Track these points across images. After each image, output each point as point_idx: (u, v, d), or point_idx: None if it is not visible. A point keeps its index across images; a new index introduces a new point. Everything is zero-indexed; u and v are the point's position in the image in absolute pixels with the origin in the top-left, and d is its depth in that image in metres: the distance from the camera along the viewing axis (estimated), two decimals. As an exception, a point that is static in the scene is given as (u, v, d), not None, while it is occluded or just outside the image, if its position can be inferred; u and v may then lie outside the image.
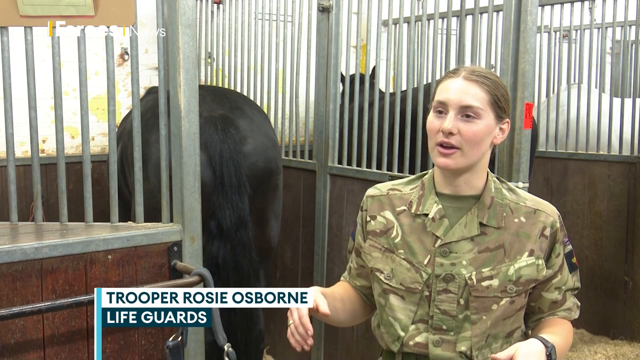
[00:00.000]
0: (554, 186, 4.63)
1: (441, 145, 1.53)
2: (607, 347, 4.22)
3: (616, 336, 4.37)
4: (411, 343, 1.60)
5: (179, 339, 1.85)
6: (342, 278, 1.86)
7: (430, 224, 1.60)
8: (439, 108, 1.55)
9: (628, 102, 4.68)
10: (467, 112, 1.52)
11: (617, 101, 4.68)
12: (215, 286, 1.85)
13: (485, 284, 1.55)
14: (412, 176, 1.75)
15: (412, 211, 1.64)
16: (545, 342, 1.46)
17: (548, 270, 1.60)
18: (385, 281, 1.64)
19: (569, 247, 1.66)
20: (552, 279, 1.61)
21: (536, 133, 4.26)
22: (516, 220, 1.59)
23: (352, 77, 3.52)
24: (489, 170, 1.65)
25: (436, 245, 1.59)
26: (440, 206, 1.61)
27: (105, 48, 2.05)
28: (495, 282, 1.55)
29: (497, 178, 1.66)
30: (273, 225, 3.09)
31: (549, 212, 1.61)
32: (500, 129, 1.59)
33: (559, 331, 1.59)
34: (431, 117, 1.57)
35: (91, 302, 1.82)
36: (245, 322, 2.81)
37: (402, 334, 1.61)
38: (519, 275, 1.56)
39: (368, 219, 1.71)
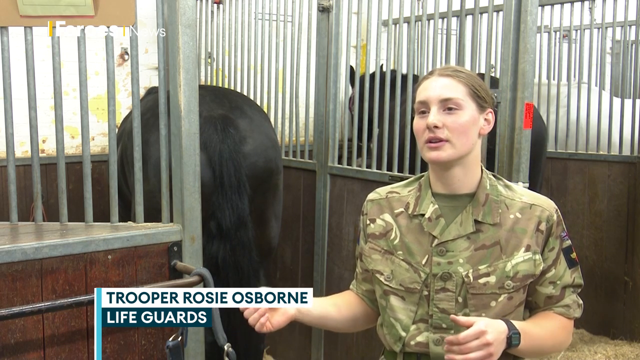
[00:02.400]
0: (554, 186, 4.63)
1: (429, 141, 1.56)
2: (607, 347, 4.21)
3: (616, 336, 4.37)
4: (412, 343, 1.61)
5: (179, 339, 1.85)
6: (350, 286, 1.87)
7: (427, 224, 1.62)
8: (421, 109, 1.59)
9: (628, 102, 4.68)
10: (448, 105, 1.55)
11: (617, 101, 4.68)
12: (215, 286, 1.85)
13: (482, 281, 1.56)
14: (411, 178, 1.77)
15: (410, 212, 1.66)
16: (509, 325, 1.47)
17: (542, 264, 1.61)
18: (386, 282, 1.66)
19: (568, 242, 1.65)
20: (546, 273, 1.61)
21: (543, 136, 4.13)
22: (512, 216, 1.60)
23: (370, 75, 3.48)
24: (484, 167, 1.66)
25: (433, 245, 1.60)
26: (436, 206, 1.62)
27: (105, 48, 2.05)
28: (492, 279, 1.56)
29: (494, 175, 1.68)
30: (273, 226, 3.08)
31: (545, 206, 1.62)
32: (485, 119, 1.62)
33: (542, 323, 1.60)
34: (416, 119, 1.61)
35: (91, 302, 1.82)
36: (245, 322, 2.80)
37: (403, 334, 1.62)
38: (516, 271, 1.57)
39: (368, 222, 1.74)
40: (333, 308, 1.73)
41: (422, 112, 1.59)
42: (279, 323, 1.57)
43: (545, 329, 1.58)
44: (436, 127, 1.54)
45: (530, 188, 1.73)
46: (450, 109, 1.55)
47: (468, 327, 1.43)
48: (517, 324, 1.51)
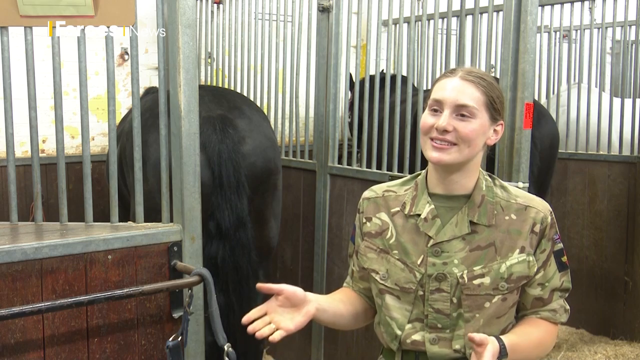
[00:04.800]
0: (554, 186, 4.63)
1: (434, 140, 1.54)
2: (607, 347, 4.22)
3: (616, 336, 4.37)
4: (408, 341, 1.62)
5: (179, 339, 1.85)
6: (344, 284, 1.87)
7: (423, 224, 1.62)
8: (434, 106, 1.57)
9: (628, 102, 4.68)
10: (462, 112, 1.54)
11: (617, 101, 4.68)
12: (215, 287, 1.85)
13: (476, 282, 1.56)
14: (407, 177, 1.76)
15: (406, 212, 1.66)
16: (500, 344, 1.47)
17: None
18: (381, 282, 1.66)
19: (560, 245, 1.65)
20: (535, 275, 1.61)
21: (558, 139, 4.03)
22: (507, 217, 1.60)
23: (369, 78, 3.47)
24: (480, 168, 1.66)
25: (428, 245, 1.60)
26: (432, 206, 1.62)
27: (105, 48, 2.05)
28: (486, 280, 1.56)
29: (489, 176, 1.67)
30: (272, 226, 3.08)
31: (540, 208, 1.62)
32: (494, 130, 1.61)
33: (528, 332, 1.59)
34: (426, 114, 1.59)
35: (91, 302, 1.82)
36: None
37: (399, 332, 1.63)
38: (511, 273, 1.57)
39: (364, 220, 1.74)
40: (342, 305, 1.73)
41: (435, 110, 1.57)
42: (301, 323, 1.54)
43: (531, 339, 1.59)
44: (446, 130, 1.53)
45: (541, 192, 1.72)
46: (463, 115, 1.53)
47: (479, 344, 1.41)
48: (506, 339, 1.50)
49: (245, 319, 1.52)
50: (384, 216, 1.70)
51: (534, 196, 1.66)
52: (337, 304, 1.71)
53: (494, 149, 2.64)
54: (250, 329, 1.50)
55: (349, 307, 1.75)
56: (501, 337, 1.51)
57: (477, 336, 1.41)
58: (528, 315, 1.65)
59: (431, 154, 1.56)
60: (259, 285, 1.54)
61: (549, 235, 1.62)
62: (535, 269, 1.59)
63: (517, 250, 1.58)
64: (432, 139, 1.55)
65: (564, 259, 1.65)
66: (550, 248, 1.62)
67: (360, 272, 1.78)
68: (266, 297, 1.60)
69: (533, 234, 1.60)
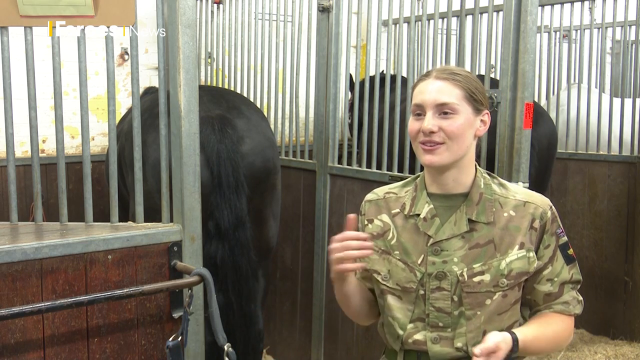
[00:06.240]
0: (554, 186, 4.63)
1: (424, 144, 1.57)
2: (607, 347, 4.22)
3: (616, 336, 4.38)
4: (410, 341, 1.62)
5: (179, 339, 1.85)
6: None
7: (422, 224, 1.63)
8: (417, 111, 1.60)
9: (628, 102, 4.68)
10: (444, 110, 1.56)
11: (617, 101, 4.68)
12: (214, 287, 1.85)
13: (476, 279, 1.57)
14: (408, 179, 1.78)
15: (405, 212, 1.68)
16: (513, 337, 1.50)
17: (538, 262, 1.61)
18: (383, 282, 1.67)
19: (564, 238, 1.65)
20: (543, 271, 1.62)
21: (556, 139, 4.01)
22: (505, 214, 1.61)
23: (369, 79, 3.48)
24: (478, 166, 1.67)
25: (428, 244, 1.61)
26: (431, 206, 1.64)
27: (105, 48, 2.05)
28: (486, 277, 1.57)
29: (488, 174, 1.68)
30: (271, 225, 3.08)
31: (539, 203, 1.62)
32: (481, 121, 1.62)
33: (543, 326, 1.60)
34: (411, 121, 1.62)
35: (91, 302, 1.82)
36: (244, 322, 2.81)
37: (401, 332, 1.64)
38: (511, 269, 1.57)
39: (366, 222, 1.76)
40: (358, 287, 1.76)
41: (418, 114, 1.60)
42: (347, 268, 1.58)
43: (547, 333, 1.59)
44: (432, 132, 1.55)
45: (539, 192, 1.72)
46: (445, 113, 1.56)
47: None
48: (520, 334, 1.51)
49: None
50: (385, 218, 1.71)
51: (533, 192, 1.67)
52: (357, 283, 1.76)
53: (494, 150, 2.64)
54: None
55: (362, 293, 1.78)
56: (515, 331, 1.52)
57: (491, 346, 1.44)
58: (542, 310, 1.66)
59: (423, 157, 1.59)
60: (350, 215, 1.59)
61: (552, 230, 1.62)
62: (535, 265, 1.60)
63: (517, 247, 1.59)
64: (421, 143, 1.57)
65: (570, 251, 1.66)
66: (555, 243, 1.62)
67: (363, 273, 1.80)
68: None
69: (532, 230, 1.60)
